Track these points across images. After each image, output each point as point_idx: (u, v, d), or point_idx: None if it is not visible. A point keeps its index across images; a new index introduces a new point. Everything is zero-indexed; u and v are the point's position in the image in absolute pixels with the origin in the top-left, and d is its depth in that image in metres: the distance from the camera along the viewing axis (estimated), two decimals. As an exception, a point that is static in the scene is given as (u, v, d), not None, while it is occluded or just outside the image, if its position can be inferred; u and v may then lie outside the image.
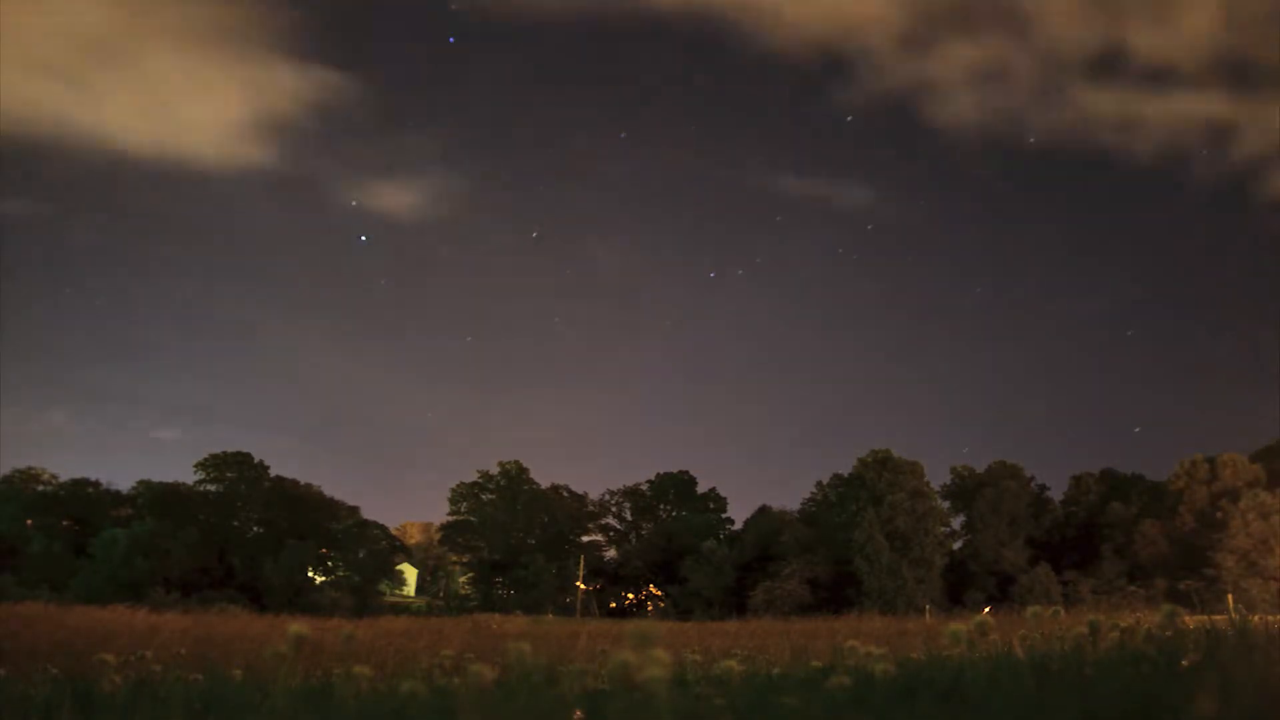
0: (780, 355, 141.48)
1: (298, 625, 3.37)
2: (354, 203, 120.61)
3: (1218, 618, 8.46)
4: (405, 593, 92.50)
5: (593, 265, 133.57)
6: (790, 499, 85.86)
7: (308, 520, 67.39)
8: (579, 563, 70.90)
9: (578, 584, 69.55)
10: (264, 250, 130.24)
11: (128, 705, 4.29)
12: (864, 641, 3.78)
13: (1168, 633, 4.53)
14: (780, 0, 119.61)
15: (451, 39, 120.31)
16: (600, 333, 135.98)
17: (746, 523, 70.40)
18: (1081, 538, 62.91)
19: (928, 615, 37.10)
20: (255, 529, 67.89)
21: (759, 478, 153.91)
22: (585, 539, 76.08)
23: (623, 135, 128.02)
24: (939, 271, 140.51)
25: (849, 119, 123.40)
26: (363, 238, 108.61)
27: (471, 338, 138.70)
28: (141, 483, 66.68)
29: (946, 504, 64.95)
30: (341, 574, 68.01)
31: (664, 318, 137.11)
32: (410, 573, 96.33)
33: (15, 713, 4.53)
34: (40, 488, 65.85)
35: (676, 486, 76.42)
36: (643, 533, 75.84)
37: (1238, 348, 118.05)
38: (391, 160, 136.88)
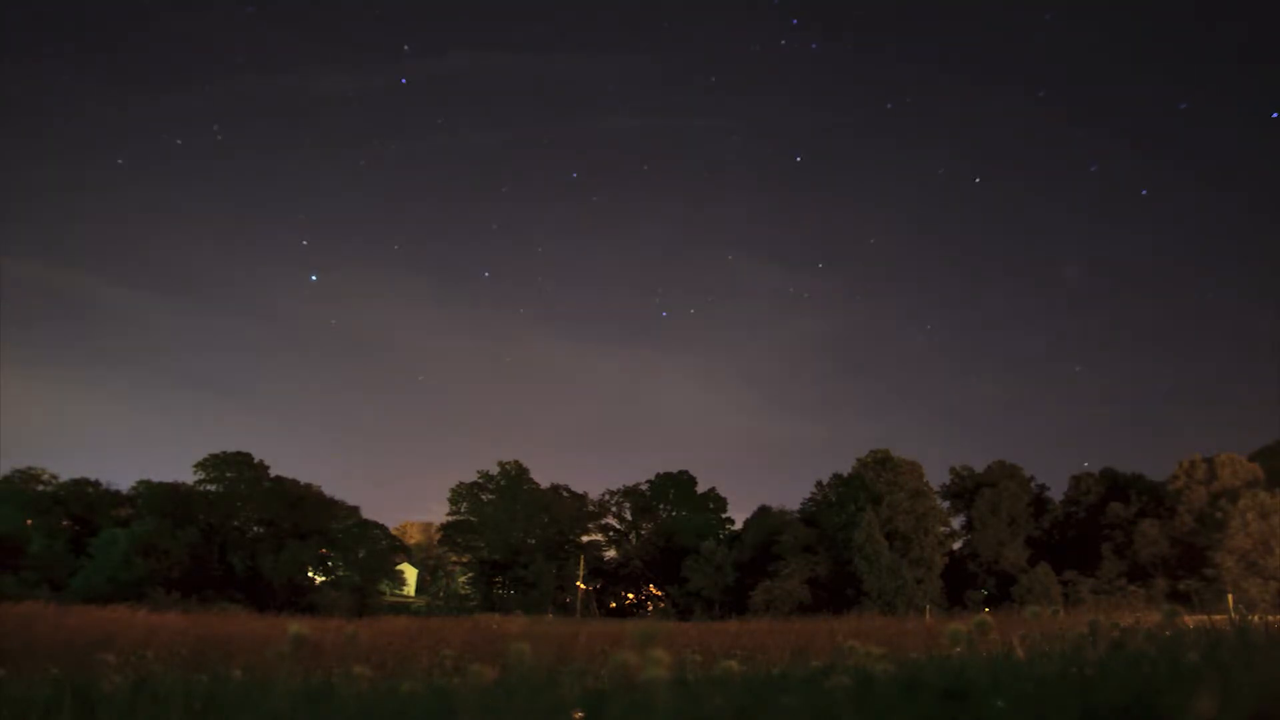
0: (780, 354, 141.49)
1: (298, 625, 3.37)
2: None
3: (1218, 618, 8.45)
4: (405, 593, 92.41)
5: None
6: (790, 499, 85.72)
7: (308, 520, 67.33)
8: (579, 563, 70.88)
9: (578, 584, 69.52)
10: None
11: (128, 705, 4.28)
12: (864, 641, 3.78)
13: (1168, 633, 4.54)
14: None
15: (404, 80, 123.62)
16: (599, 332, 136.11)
17: (746, 523, 70.36)
18: (1081, 538, 62.83)
19: (928, 615, 37.08)
20: (255, 529, 67.79)
21: (759, 478, 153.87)
22: (585, 539, 76.03)
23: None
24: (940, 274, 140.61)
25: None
26: (313, 277, 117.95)
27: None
28: (141, 483, 66.77)
29: (946, 504, 64.95)
30: (341, 574, 67.99)
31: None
32: (410, 573, 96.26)
33: (15, 713, 4.52)
34: (40, 488, 65.74)
35: (676, 486, 76.34)
36: (643, 533, 75.79)
37: (1237, 348, 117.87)
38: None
